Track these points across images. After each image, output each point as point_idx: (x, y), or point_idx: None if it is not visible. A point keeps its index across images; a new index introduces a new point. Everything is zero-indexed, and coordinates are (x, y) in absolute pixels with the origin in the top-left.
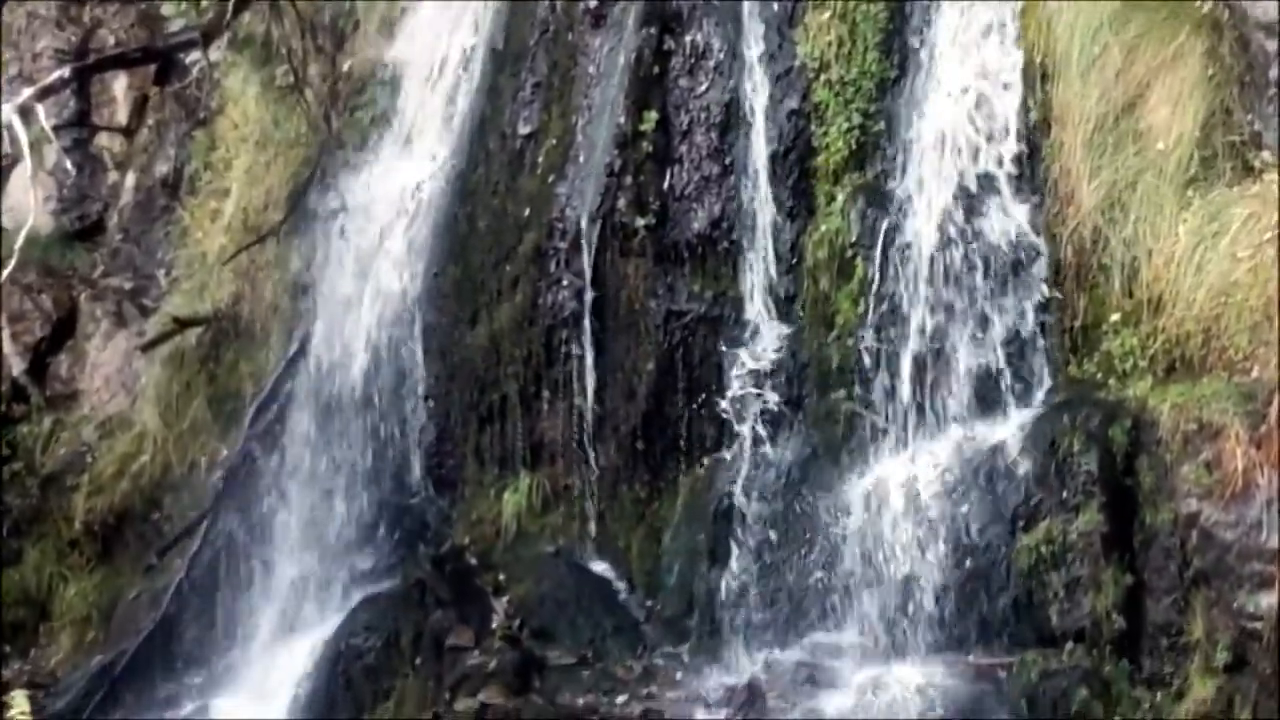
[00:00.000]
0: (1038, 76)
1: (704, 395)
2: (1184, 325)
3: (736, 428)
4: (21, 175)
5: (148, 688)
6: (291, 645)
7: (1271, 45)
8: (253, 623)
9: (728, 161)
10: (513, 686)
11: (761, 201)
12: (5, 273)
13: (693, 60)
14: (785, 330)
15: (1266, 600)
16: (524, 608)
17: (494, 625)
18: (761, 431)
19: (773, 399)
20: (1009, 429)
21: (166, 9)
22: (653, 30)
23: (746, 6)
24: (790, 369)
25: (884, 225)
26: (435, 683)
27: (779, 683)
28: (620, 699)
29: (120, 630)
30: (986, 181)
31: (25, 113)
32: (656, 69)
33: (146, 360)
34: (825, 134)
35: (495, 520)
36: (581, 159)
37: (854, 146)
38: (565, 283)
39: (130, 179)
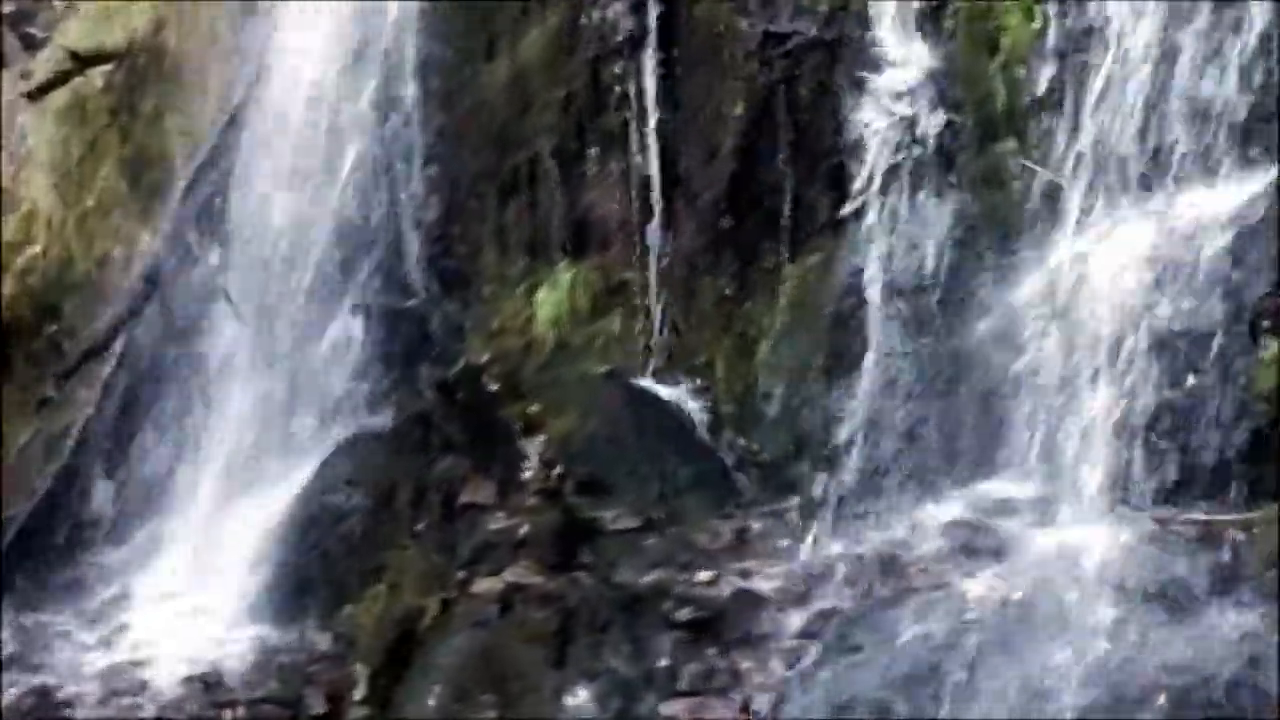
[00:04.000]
0: None
1: (817, 150)
2: None
3: (864, 194)
4: None
5: (46, 567)
6: (244, 508)
7: None
8: (190, 477)
9: None
10: (551, 560)
11: None
12: None
13: None
14: (930, 57)
15: None
16: (566, 451)
17: (524, 476)
18: (900, 199)
19: (914, 152)
20: (1246, 195)
21: None
22: None
23: None
24: (938, 111)
25: None
26: (444, 556)
27: (924, 551)
28: (702, 576)
29: (8, 489)
30: None
31: None
32: None
33: (35, 113)
34: None
35: (525, 330)
36: None
37: None
38: None
39: None
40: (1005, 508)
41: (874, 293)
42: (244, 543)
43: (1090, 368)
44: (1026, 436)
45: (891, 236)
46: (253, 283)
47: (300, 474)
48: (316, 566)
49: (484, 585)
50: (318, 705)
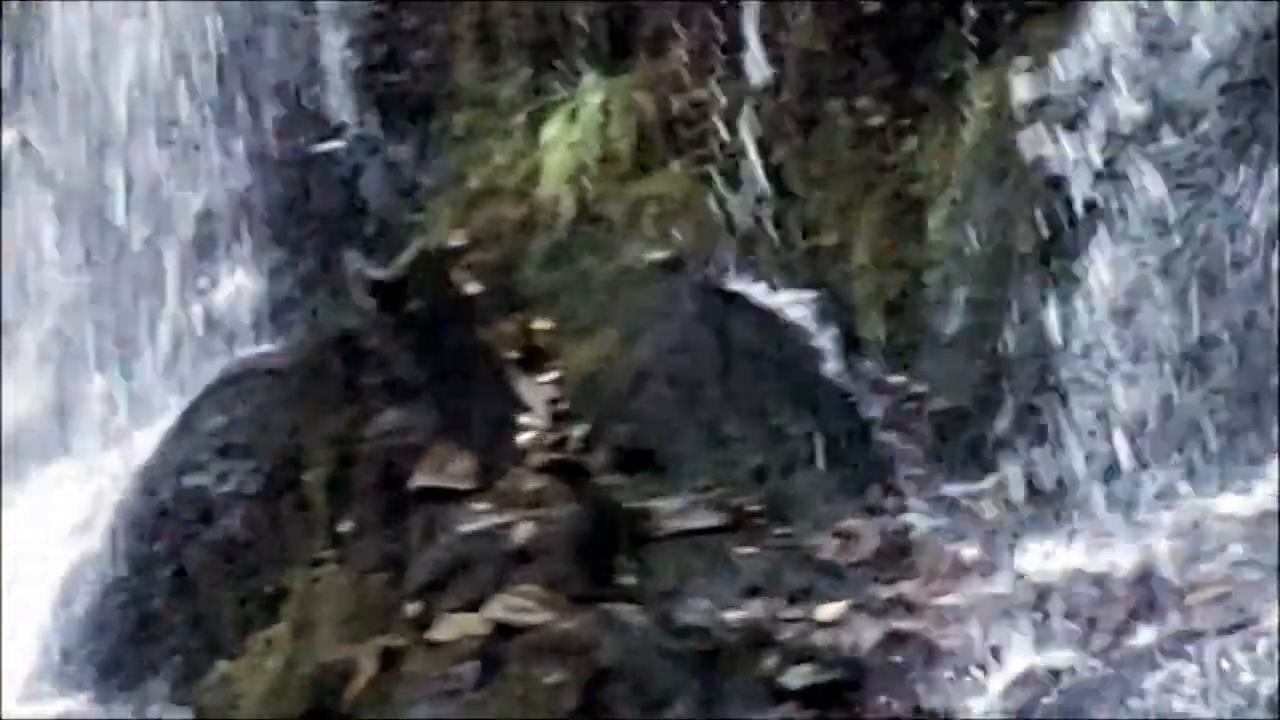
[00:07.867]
0: None
1: None
2: None
3: None
4: None
5: None
6: (47, 494)
7: None
8: None
9: None
10: (570, 583)
11: None
12: None
13: None
14: None
15: None
16: (595, 398)
17: (524, 440)
18: None
19: None
20: None
21: None
22: None
23: None
24: None
25: None
26: (388, 577)
27: (1213, 566)
28: (828, 611)
29: None
30: None
31: None
32: None
33: None
34: None
35: (525, 190)
36: None
37: None
38: None
39: None
40: None
41: (1095, 124)
42: (46, 555)
43: None
44: None
45: (1152, 29)
46: (66, 114)
47: (144, 437)
48: (169, 595)
49: (455, 626)
50: None
